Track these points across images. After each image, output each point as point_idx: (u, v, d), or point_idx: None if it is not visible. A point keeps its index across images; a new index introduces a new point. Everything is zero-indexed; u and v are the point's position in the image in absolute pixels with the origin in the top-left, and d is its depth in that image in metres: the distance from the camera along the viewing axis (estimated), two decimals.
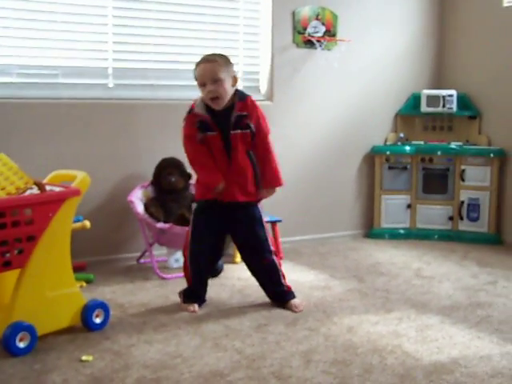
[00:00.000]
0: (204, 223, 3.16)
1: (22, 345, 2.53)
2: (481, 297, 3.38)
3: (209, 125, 3.03)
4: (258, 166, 3.12)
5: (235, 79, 3.05)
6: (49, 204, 2.61)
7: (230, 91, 3.01)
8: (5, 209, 2.45)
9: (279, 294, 3.22)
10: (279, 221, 4.30)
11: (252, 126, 3.07)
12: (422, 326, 2.91)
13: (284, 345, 2.68)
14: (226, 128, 3.04)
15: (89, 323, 2.80)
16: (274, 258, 3.19)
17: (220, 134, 3.04)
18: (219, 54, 3.07)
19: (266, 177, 3.14)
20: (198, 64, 3.03)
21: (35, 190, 2.63)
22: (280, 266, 3.23)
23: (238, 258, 4.12)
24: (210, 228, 3.15)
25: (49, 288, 2.67)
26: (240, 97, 3.07)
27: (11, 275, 2.66)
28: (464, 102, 4.98)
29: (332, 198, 4.88)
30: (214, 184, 3.04)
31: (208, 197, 3.10)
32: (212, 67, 2.96)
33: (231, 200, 3.08)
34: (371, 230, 4.99)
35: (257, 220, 3.16)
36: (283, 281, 3.22)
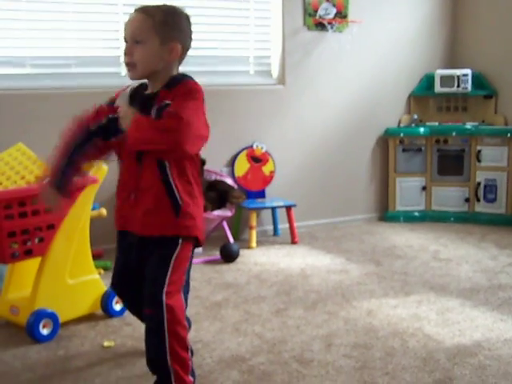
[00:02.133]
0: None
1: (45, 331, 2.56)
2: (501, 279, 3.36)
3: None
4: (177, 182, 1.96)
5: (174, 51, 1.97)
6: None
7: (156, 63, 1.95)
8: (25, 198, 2.46)
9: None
10: (294, 205, 4.29)
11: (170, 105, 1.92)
12: (442, 308, 2.90)
13: (304, 329, 2.68)
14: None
15: (109, 309, 2.82)
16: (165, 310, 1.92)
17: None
18: (164, 8, 2.02)
19: None
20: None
21: None
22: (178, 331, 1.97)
23: (254, 242, 4.13)
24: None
25: (69, 275, 2.69)
26: (172, 82, 1.98)
27: (32, 263, 2.67)
28: (479, 81, 4.93)
29: (346, 182, 4.86)
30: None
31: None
32: (139, 21, 1.95)
33: (142, 233, 1.99)
34: (386, 213, 4.97)
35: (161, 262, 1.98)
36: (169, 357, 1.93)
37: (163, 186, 1.95)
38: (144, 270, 1.99)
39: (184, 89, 1.94)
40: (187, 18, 2.05)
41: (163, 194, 1.95)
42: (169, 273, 1.95)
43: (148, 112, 1.92)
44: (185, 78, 2.00)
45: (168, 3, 2.07)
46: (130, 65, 1.96)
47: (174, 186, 1.95)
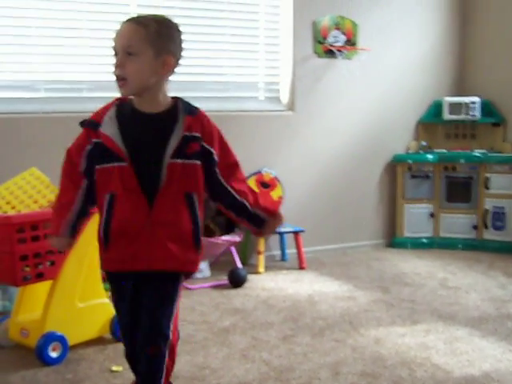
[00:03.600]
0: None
1: (54, 354, 2.58)
2: (510, 308, 3.35)
3: (111, 149, 1.81)
4: (199, 218, 1.89)
5: (168, 64, 1.84)
6: None
7: (149, 77, 1.82)
8: (38, 222, 2.50)
9: None
10: (302, 231, 4.30)
11: (214, 154, 1.91)
12: (450, 338, 2.89)
13: (311, 356, 2.68)
14: (150, 150, 1.83)
15: (118, 333, 2.82)
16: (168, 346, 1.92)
17: (131, 165, 1.80)
18: (158, 18, 1.88)
19: (262, 208, 1.98)
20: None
21: None
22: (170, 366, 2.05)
23: (262, 268, 4.14)
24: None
25: (79, 299, 2.71)
26: (187, 108, 1.90)
27: (42, 286, 2.70)
28: (487, 108, 4.95)
29: (354, 208, 4.87)
30: (56, 231, 1.93)
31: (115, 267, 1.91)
32: (132, 32, 1.81)
33: (143, 269, 1.86)
34: (394, 240, 4.97)
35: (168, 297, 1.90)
36: None
37: (190, 220, 1.86)
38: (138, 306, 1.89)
39: (213, 129, 1.92)
40: (179, 29, 1.92)
41: (189, 227, 1.86)
42: (174, 309, 1.90)
43: (164, 137, 1.81)
44: (198, 109, 1.92)
45: (159, 14, 1.96)
46: (121, 79, 1.82)
47: (199, 219, 1.88)
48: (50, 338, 2.56)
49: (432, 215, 4.91)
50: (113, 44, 1.84)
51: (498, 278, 3.96)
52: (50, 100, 3.92)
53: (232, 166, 1.96)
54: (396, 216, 4.97)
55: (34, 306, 2.77)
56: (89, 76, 4.03)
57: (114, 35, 1.84)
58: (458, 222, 4.86)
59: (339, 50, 4.69)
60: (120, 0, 4.06)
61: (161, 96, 1.87)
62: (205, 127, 1.89)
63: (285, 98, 4.64)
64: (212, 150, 1.89)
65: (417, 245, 4.89)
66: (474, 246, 4.79)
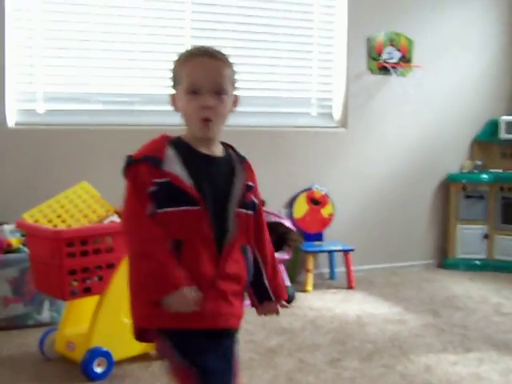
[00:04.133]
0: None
1: (99, 370, 2.58)
2: None
3: (184, 191, 1.57)
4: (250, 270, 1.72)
5: (236, 102, 1.72)
6: None
7: (227, 119, 1.69)
8: (87, 237, 2.51)
9: None
10: (352, 250, 4.23)
11: (257, 206, 1.74)
12: (505, 369, 2.77)
13: (359, 382, 2.61)
14: (218, 196, 1.63)
15: None
16: None
17: (207, 208, 1.59)
18: (221, 52, 1.69)
19: (279, 285, 1.81)
20: (187, 56, 1.68)
21: (116, 218, 2.68)
22: None
23: (310, 286, 4.08)
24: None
25: (125, 315, 2.70)
26: (238, 153, 1.75)
27: (89, 300, 2.71)
28: None
29: (405, 227, 4.77)
30: (174, 288, 1.52)
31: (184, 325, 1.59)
32: (219, 68, 1.65)
33: (225, 326, 1.66)
34: (445, 260, 4.85)
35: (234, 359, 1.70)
36: None
37: (246, 275, 1.69)
38: None
39: (254, 177, 1.74)
40: None
41: (245, 283, 1.69)
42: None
43: (230, 183, 1.65)
44: (246, 158, 1.74)
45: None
46: (208, 119, 1.61)
47: (249, 275, 1.72)
48: (95, 353, 2.56)
49: (486, 236, 4.77)
50: (192, 78, 1.63)
51: None
52: (101, 113, 3.99)
53: (262, 219, 1.78)
54: (448, 236, 4.85)
55: (81, 320, 2.79)
56: (141, 89, 4.07)
57: (182, 72, 1.66)
58: None
59: (393, 67, 4.62)
60: (173, 14, 4.10)
61: (228, 147, 1.74)
62: (253, 176, 1.74)
63: (337, 114, 4.59)
64: (257, 201, 1.73)
65: (469, 267, 4.75)
66: None
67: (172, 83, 1.73)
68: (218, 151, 1.69)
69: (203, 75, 1.62)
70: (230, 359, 1.66)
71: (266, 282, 1.76)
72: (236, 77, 1.70)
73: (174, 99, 1.72)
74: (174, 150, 1.62)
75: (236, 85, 1.70)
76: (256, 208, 1.72)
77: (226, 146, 1.73)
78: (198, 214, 1.58)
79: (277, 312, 1.84)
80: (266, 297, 1.78)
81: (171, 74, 1.71)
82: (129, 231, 1.62)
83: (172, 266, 1.54)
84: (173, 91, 1.72)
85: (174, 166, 1.59)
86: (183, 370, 1.58)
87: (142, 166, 1.58)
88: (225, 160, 1.69)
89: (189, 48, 1.71)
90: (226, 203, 1.63)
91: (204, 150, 1.65)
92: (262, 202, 1.81)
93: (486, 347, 3.06)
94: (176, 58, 1.70)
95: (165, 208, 1.58)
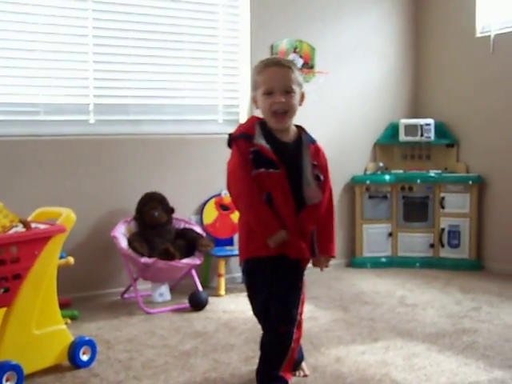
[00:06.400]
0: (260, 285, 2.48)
1: None
2: (465, 323, 3.41)
3: (270, 158, 2.31)
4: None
5: (303, 97, 2.44)
6: (34, 242, 2.60)
7: (296, 111, 2.40)
8: None
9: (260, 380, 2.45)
10: None
11: (321, 178, 2.43)
12: (408, 354, 2.93)
13: None
14: (296, 166, 2.37)
15: (76, 360, 2.77)
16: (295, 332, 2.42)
17: (286, 173, 2.32)
18: (291, 60, 2.53)
19: (325, 243, 2.48)
20: (262, 67, 2.38)
21: (20, 228, 2.62)
22: (294, 350, 2.45)
23: (223, 290, 4.13)
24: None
25: (36, 326, 2.65)
26: (309, 136, 2.48)
27: None
28: (441, 130, 5.08)
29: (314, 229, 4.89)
30: (273, 231, 2.30)
31: (267, 252, 2.35)
32: (286, 73, 2.34)
33: (299, 256, 2.37)
34: (353, 260, 5.02)
35: (300, 283, 2.47)
36: (280, 368, 2.41)
37: (312, 221, 2.43)
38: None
39: (325, 159, 2.50)
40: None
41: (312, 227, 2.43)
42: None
43: (299, 161, 2.37)
44: (315, 141, 2.50)
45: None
46: (281, 113, 2.34)
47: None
48: (4, 367, 2.47)
49: (390, 235, 4.99)
50: (267, 84, 2.34)
51: (454, 295, 4.04)
52: (4, 123, 3.88)
53: (328, 194, 2.48)
54: (355, 236, 5.03)
55: None
56: (45, 98, 3.99)
57: (259, 79, 2.37)
58: (415, 241, 4.94)
59: None
60: (74, 22, 4.06)
61: (300, 131, 2.48)
62: (319, 155, 2.45)
63: (243, 120, 4.67)
64: (321, 176, 2.43)
65: (376, 264, 4.95)
66: (431, 264, 4.88)
67: (252, 87, 2.47)
68: (290, 137, 2.41)
69: (275, 81, 2.34)
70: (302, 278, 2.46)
71: (315, 237, 2.45)
72: (301, 77, 2.42)
73: (255, 100, 2.43)
74: (261, 130, 2.35)
75: (302, 84, 2.40)
76: (320, 179, 2.41)
77: (299, 129, 2.47)
78: (280, 175, 2.31)
79: (321, 266, 2.54)
80: (314, 251, 2.45)
81: (251, 81, 2.50)
82: (237, 189, 2.37)
83: (271, 215, 2.29)
84: (253, 94, 2.44)
85: (261, 140, 2.33)
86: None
87: (240, 141, 2.36)
88: (295, 144, 2.41)
89: (262, 59, 2.43)
90: (300, 172, 2.36)
91: (279, 136, 2.38)
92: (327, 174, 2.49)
93: (391, 336, 3.21)
94: (254, 68, 2.44)
95: (259, 169, 2.30)
